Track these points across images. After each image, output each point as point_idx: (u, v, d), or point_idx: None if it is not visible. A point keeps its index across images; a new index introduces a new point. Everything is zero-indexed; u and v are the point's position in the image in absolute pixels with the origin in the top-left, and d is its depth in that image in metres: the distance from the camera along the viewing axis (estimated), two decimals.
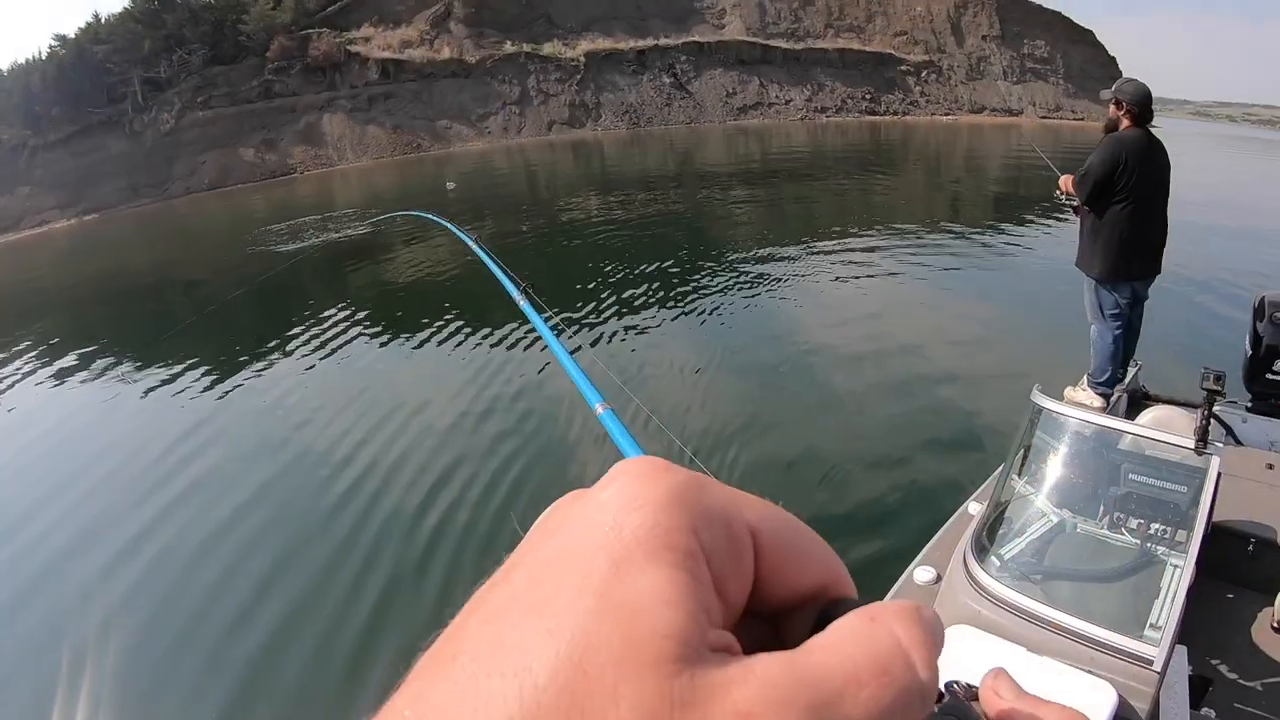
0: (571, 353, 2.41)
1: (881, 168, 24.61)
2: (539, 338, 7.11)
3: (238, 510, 4.87)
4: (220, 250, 17.47)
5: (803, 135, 35.93)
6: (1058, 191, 4.14)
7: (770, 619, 0.20)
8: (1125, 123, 3.80)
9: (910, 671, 0.17)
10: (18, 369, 9.34)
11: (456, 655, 0.18)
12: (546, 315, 2.87)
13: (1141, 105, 3.76)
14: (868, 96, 41.44)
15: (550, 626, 0.17)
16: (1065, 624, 1.88)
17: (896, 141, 34.55)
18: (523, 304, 3.17)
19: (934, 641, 0.18)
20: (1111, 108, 3.89)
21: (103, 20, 42.88)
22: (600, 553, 0.18)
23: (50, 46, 42.58)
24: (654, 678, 0.16)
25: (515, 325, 7.60)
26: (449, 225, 5.52)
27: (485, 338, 7.81)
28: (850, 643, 0.17)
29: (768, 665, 0.17)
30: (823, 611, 0.20)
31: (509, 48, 37.13)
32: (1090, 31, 51.20)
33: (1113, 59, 51.89)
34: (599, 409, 2.04)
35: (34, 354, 10.01)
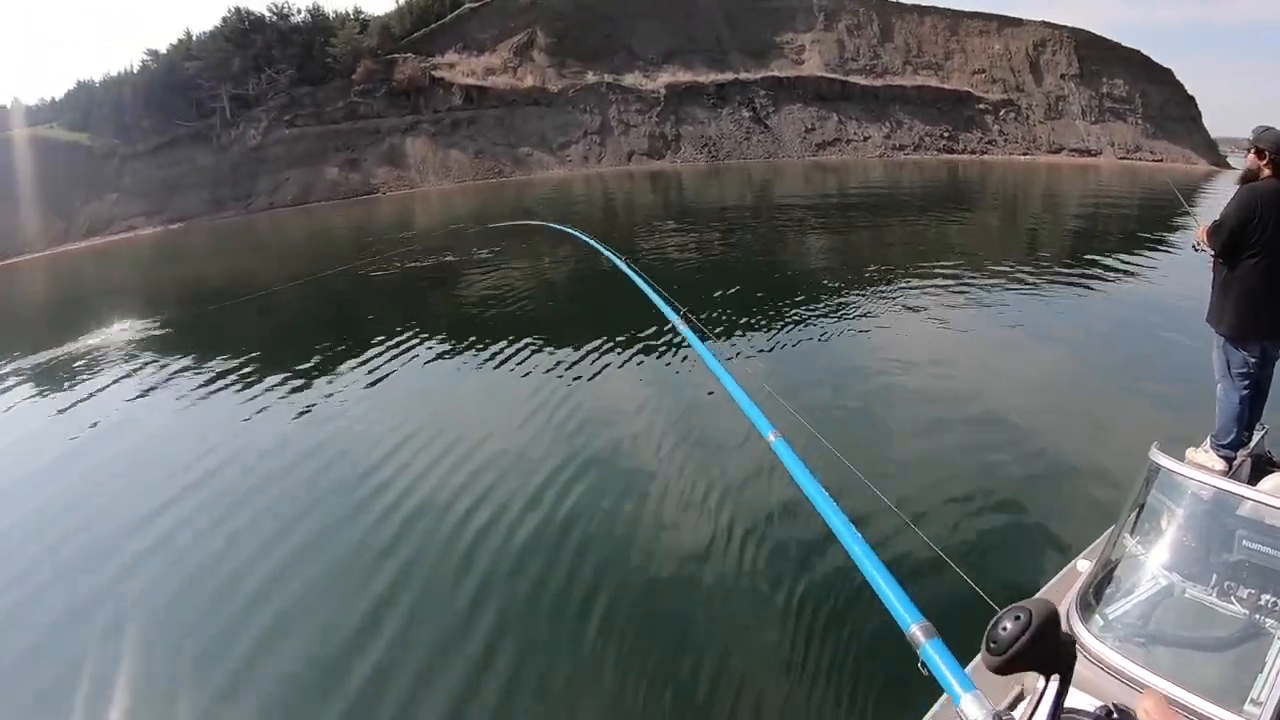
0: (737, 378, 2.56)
1: (963, 206, 24.35)
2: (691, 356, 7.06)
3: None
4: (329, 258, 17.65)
5: (880, 172, 35.70)
6: (1195, 242, 3.92)
7: None
8: (1266, 172, 3.60)
9: None
10: (102, 372, 9.57)
11: None
12: (706, 338, 2.85)
13: None
14: (945, 134, 41.09)
15: None
16: (1163, 690, 1.81)
17: (975, 179, 34.12)
18: (683, 328, 3.14)
19: None
20: (1251, 156, 3.68)
21: (194, 38, 44.52)
22: None
23: (142, 60, 44.37)
24: None
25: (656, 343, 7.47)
26: (600, 246, 5.28)
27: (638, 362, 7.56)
28: None
29: None
30: None
31: (590, 78, 37.65)
32: (1169, 70, 50.16)
33: (1191, 98, 50.78)
34: (771, 437, 2.19)
35: (116, 356, 10.28)
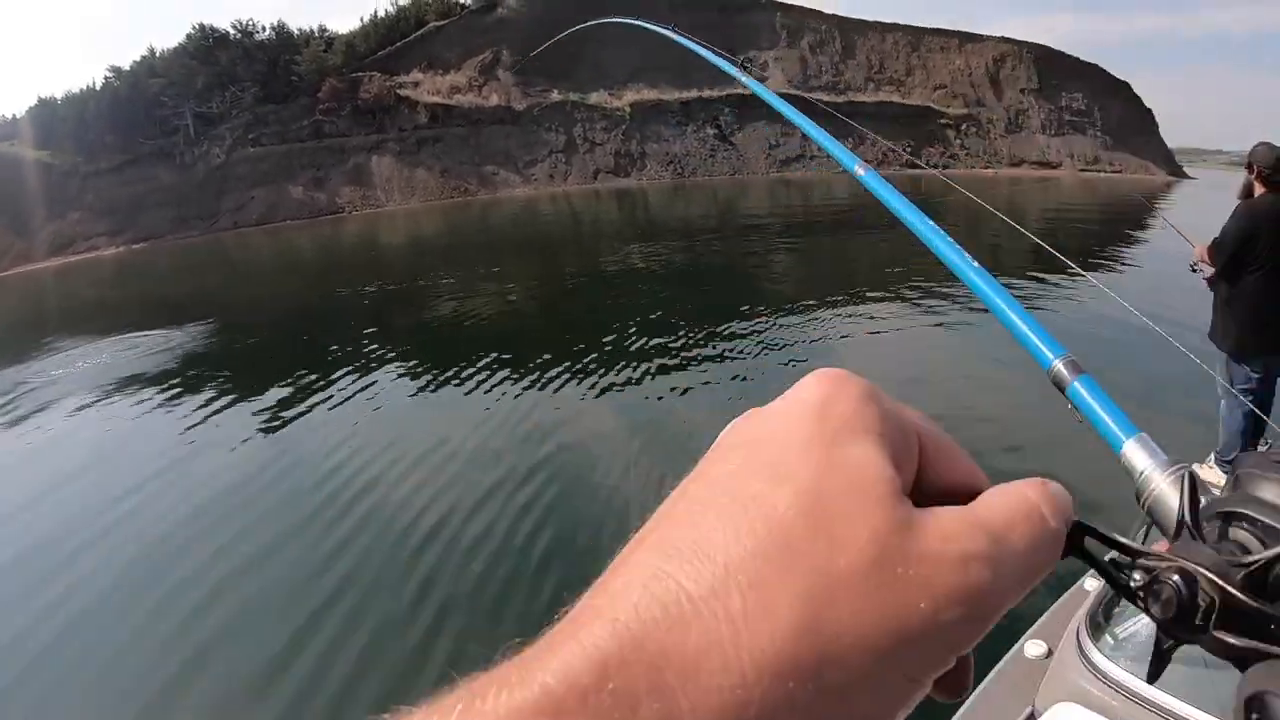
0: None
1: (936, 220, 24.57)
2: None
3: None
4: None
5: (844, 187, 36.10)
6: (1193, 262, 4.00)
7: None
8: (1260, 188, 3.70)
9: (1044, 520, 0.23)
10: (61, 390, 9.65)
11: (687, 512, 0.22)
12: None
13: (1276, 169, 3.64)
14: (908, 149, 41.72)
15: (783, 474, 0.22)
16: (1177, 711, 1.79)
17: (938, 194, 34.54)
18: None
19: (1057, 502, 0.24)
20: (1245, 173, 3.80)
21: (157, 54, 44.07)
22: (815, 431, 0.23)
23: (105, 77, 43.81)
24: (881, 508, 0.21)
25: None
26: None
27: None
28: (999, 501, 0.24)
29: (949, 510, 0.23)
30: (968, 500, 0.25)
31: (556, 96, 37.80)
32: (1127, 84, 51.24)
33: (1149, 111, 51.91)
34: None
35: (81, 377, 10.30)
